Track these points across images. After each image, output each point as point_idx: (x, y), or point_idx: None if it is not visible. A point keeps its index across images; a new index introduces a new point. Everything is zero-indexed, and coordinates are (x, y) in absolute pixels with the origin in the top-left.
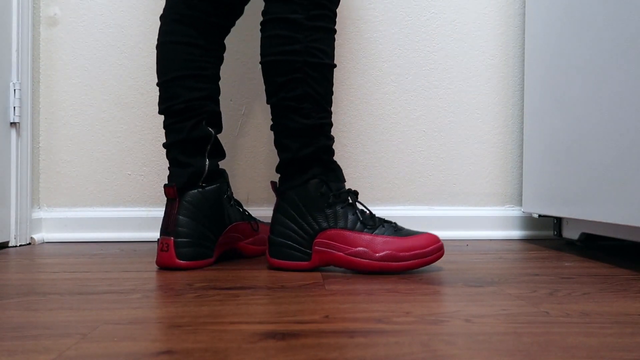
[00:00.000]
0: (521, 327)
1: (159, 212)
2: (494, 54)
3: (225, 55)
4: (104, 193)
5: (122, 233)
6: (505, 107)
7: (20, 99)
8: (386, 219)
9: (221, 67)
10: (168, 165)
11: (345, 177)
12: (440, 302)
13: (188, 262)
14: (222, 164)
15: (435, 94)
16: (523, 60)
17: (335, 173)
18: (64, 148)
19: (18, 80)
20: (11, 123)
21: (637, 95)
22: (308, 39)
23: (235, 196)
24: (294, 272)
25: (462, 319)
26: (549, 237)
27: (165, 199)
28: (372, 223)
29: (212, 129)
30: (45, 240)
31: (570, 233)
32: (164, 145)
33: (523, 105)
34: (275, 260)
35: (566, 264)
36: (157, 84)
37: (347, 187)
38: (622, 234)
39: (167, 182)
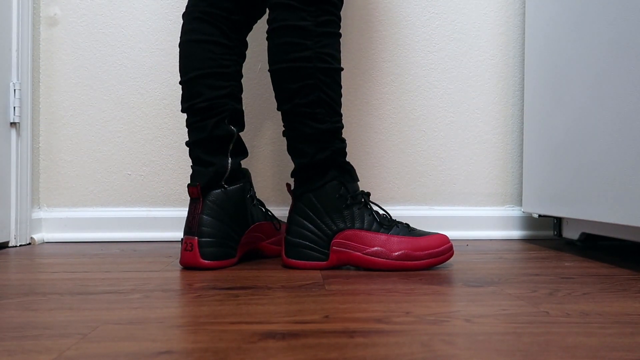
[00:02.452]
0: (521, 327)
1: (159, 212)
2: (494, 54)
3: None
4: (104, 193)
5: (122, 233)
6: (505, 107)
7: (20, 99)
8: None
9: None
10: (191, 164)
11: None
12: (440, 302)
13: (212, 262)
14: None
15: (435, 94)
16: (523, 60)
17: (350, 174)
18: (64, 148)
19: (18, 80)
20: (11, 123)
21: (636, 95)
22: (317, 45)
23: None
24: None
25: (462, 319)
26: (549, 237)
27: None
28: (388, 223)
29: (234, 127)
30: (45, 240)
31: (570, 233)
32: (187, 144)
33: (523, 105)
34: (292, 260)
35: (566, 264)
36: (180, 82)
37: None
38: (622, 234)
39: (190, 182)
